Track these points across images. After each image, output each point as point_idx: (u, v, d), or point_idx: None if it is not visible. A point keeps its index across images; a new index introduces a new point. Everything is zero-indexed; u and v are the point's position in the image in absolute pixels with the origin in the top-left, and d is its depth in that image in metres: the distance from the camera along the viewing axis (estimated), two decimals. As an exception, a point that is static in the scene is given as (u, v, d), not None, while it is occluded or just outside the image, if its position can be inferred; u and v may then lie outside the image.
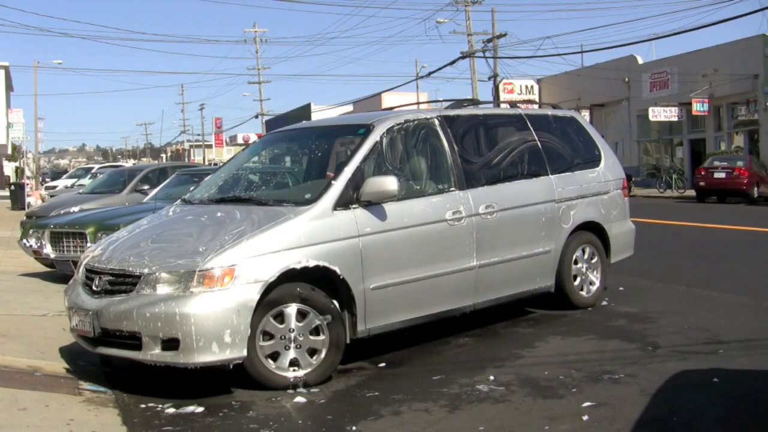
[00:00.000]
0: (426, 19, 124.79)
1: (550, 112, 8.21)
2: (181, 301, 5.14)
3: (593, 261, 7.86)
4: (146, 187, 14.21)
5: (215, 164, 35.14)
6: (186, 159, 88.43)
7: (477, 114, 7.37)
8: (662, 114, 34.55)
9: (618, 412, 4.71)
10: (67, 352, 6.30)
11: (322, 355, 5.56)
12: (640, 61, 38.56)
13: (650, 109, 34.51)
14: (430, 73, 46.09)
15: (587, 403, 4.86)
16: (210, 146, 77.99)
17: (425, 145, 6.61)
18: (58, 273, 9.98)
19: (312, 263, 5.54)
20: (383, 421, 4.78)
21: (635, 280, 9.21)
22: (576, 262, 7.66)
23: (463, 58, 41.01)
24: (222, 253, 5.30)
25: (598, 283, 7.91)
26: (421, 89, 53.16)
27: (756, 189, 26.06)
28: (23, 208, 24.02)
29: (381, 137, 6.29)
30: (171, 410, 5.07)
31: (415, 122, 6.62)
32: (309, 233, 5.61)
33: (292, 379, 5.44)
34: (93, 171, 32.30)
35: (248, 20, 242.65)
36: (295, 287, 5.49)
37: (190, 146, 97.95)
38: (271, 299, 5.37)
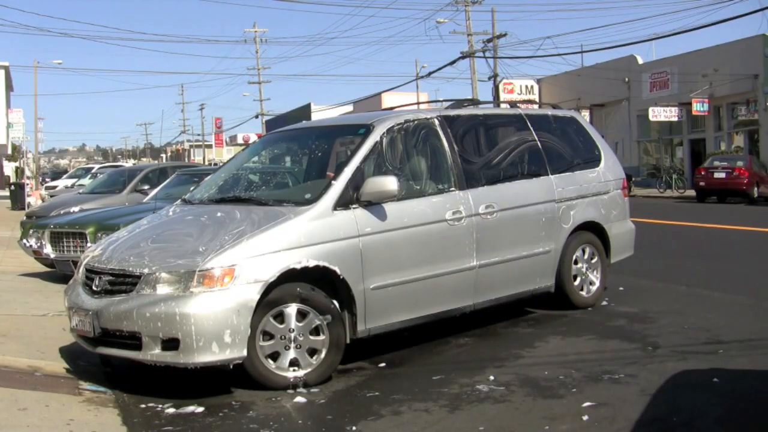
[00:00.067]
0: (426, 19, 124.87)
1: (550, 112, 8.21)
2: (181, 301, 5.14)
3: (593, 261, 7.86)
4: (146, 187, 14.21)
5: (215, 164, 35.14)
6: (186, 159, 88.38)
7: (477, 114, 7.37)
8: (662, 114, 34.55)
9: (618, 412, 4.71)
10: (67, 352, 6.30)
11: (322, 355, 5.56)
12: (640, 61, 38.56)
13: (650, 109, 34.50)
14: (430, 73, 46.11)
15: (587, 403, 4.86)
16: (210, 146, 77.95)
17: (425, 145, 6.61)
18: (58, 273, 9.98)
19: (312, 263, 5.54)
20: (383, 421, 4.78)
21: (635, 280, 9.21)
22: (576, 262, 7.66)
23: (463, 58, 41.01)
24: (222, 253, 5.30)
25: (598, 283, 7.91)
26: (421, 89, 53.20)
27: (756, 189, 26.06)
28: (23, 208, 24.01)
29: (381, 137, 6.29)
30: (171, 410, 5.07)
31: (415, 122, 6.62)
32: (309, 233, 5.61)
33: (292, 379, 5.44)
34: (93, 171, 32.31)
35: (248, 20, 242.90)
36: (295, 287, 5.48)
37: (190, 146, 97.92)
38: (271, 299, 5.37)
